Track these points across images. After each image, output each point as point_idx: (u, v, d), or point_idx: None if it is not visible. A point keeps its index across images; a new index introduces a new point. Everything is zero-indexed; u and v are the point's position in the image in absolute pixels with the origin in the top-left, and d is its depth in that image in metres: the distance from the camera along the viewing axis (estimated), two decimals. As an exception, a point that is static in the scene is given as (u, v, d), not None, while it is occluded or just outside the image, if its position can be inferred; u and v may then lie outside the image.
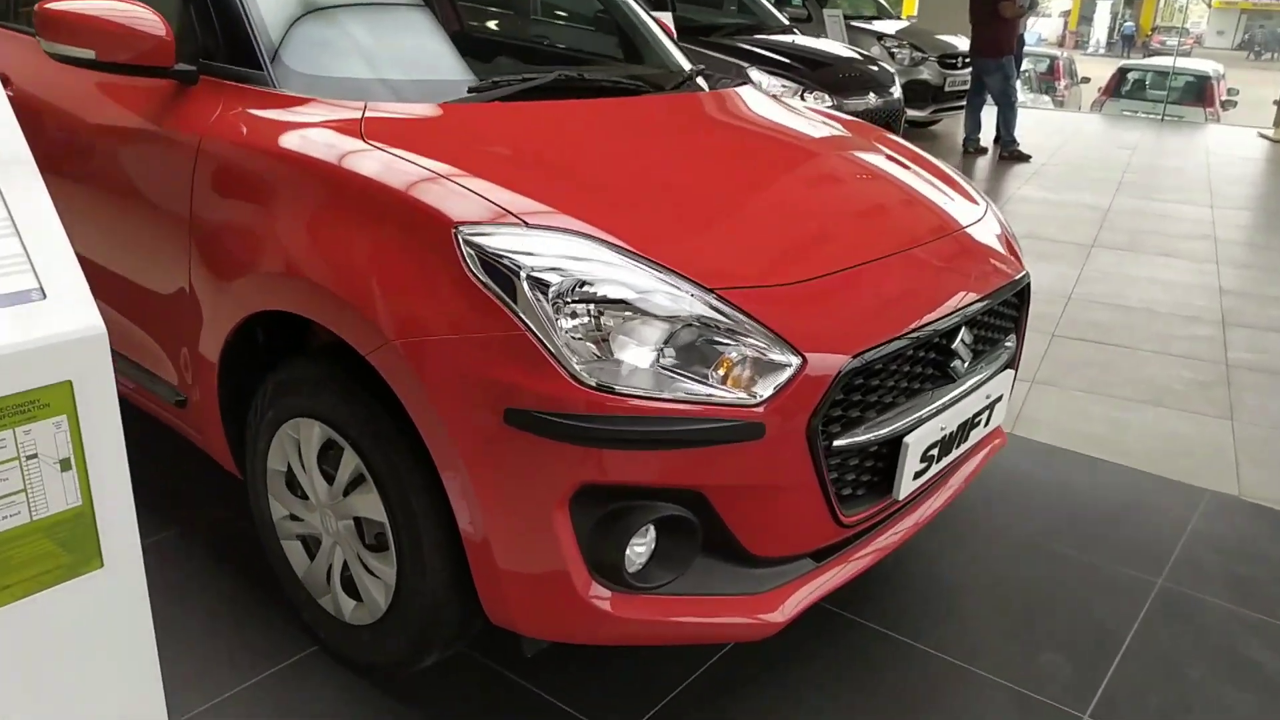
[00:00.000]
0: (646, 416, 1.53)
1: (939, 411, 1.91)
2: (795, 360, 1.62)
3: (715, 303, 1.61)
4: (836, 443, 1.71)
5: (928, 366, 1.92)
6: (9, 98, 2.69)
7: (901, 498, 1.89)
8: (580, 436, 1.53)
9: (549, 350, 1.52)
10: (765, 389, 1.60)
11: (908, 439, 1.82)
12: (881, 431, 1.78)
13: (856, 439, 1.74)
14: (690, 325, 1.59)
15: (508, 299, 1.55)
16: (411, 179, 1.70)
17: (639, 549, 1.65)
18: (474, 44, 2.43)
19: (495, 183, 1.73)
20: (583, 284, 1.56)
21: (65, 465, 1.41)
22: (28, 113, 2.50)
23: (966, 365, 1.98)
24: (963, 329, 1.95)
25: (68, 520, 1.42)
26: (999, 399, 2.15)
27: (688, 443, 1.56)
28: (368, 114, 1.93)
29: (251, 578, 2.32)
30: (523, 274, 1.55)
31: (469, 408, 1.57)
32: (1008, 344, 2.22)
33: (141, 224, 2.14)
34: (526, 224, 1.63)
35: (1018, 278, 2.18)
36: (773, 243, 1.84)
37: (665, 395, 1.54)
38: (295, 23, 2.11)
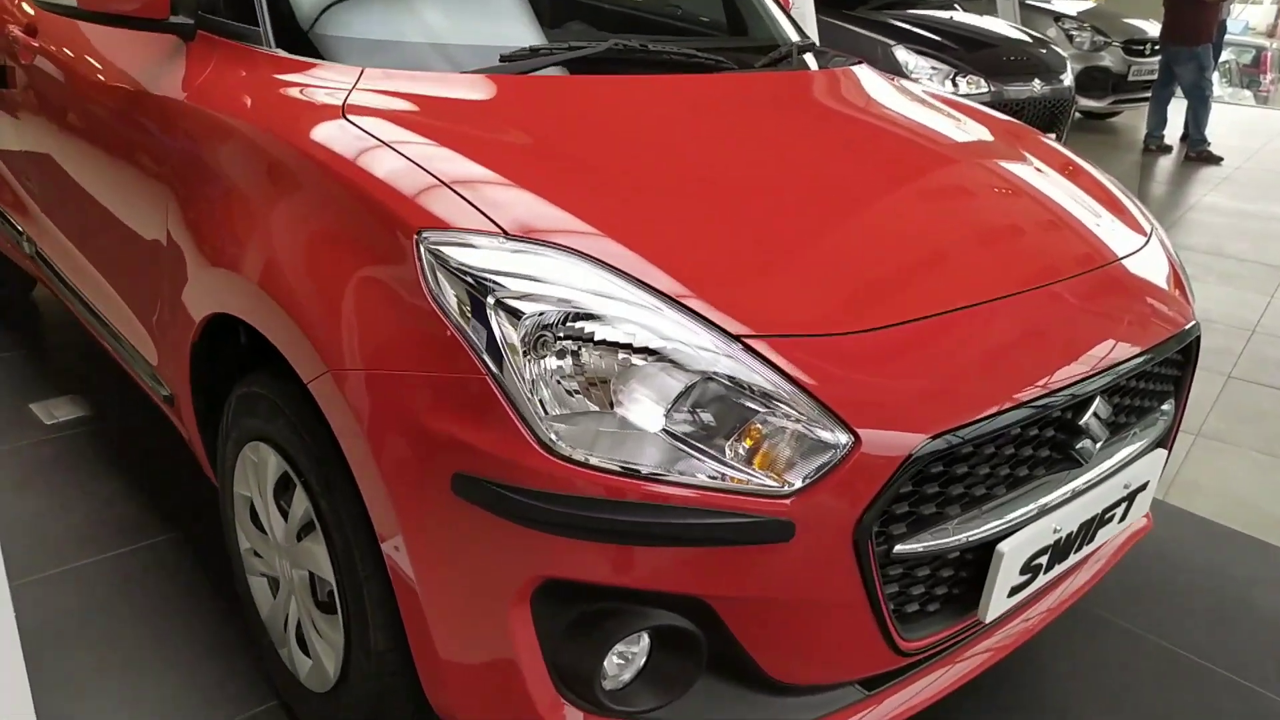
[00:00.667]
0: (636, 503, 1.15)
1: (1053, 508, 1.45)
2: (845, 439, 1.20)
3: (740, 355, 1.21)
4: (900, 548, 1.29)
5: (1043, 447, 1.45)
6: (35, 49, 2.55)
7: (989, 619, 1.44)
8: (547, 520, 1.17)
9: (513, 402, 1.16)
10: (801, 475, 1.19)
11: (1003, 546, 1.38)
12: (966, 535, 1.34)
13: (929, 545, 1.31)
14: (707, 382, 1.20)
15: (465, 330, 1.19)
16: (379, 166, 1.37)
17: (622, 662, 1.28)
18: (529, 3, 2.06)
19: (488, 178, 1.37)
20: (571, 317, 1.19)
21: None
22: (50, 69, 2.30)
23: (1099, 445, 1.51)
24: (1098, 399, 1.48)
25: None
26: (1143, 487, 1.66)
27: (690, 541, 1.18)
28: (361, 83, 1.60)
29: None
30: (490, 298, 1.19)
31: (412, 467, 1.24)
32: (1162, 414, 1.72)
33: (128, 193, 1.90)
34: (506, 234, 1.26)
35: (1183, 330, 1.67)
36: (846, 275, 1.40)
37: (664, 474, 1.16)
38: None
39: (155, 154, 1.81)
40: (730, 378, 1.19)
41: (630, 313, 1.21)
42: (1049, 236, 1.70)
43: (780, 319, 1.27)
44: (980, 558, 1.40)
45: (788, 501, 1.20)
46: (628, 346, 1.20)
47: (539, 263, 1.24)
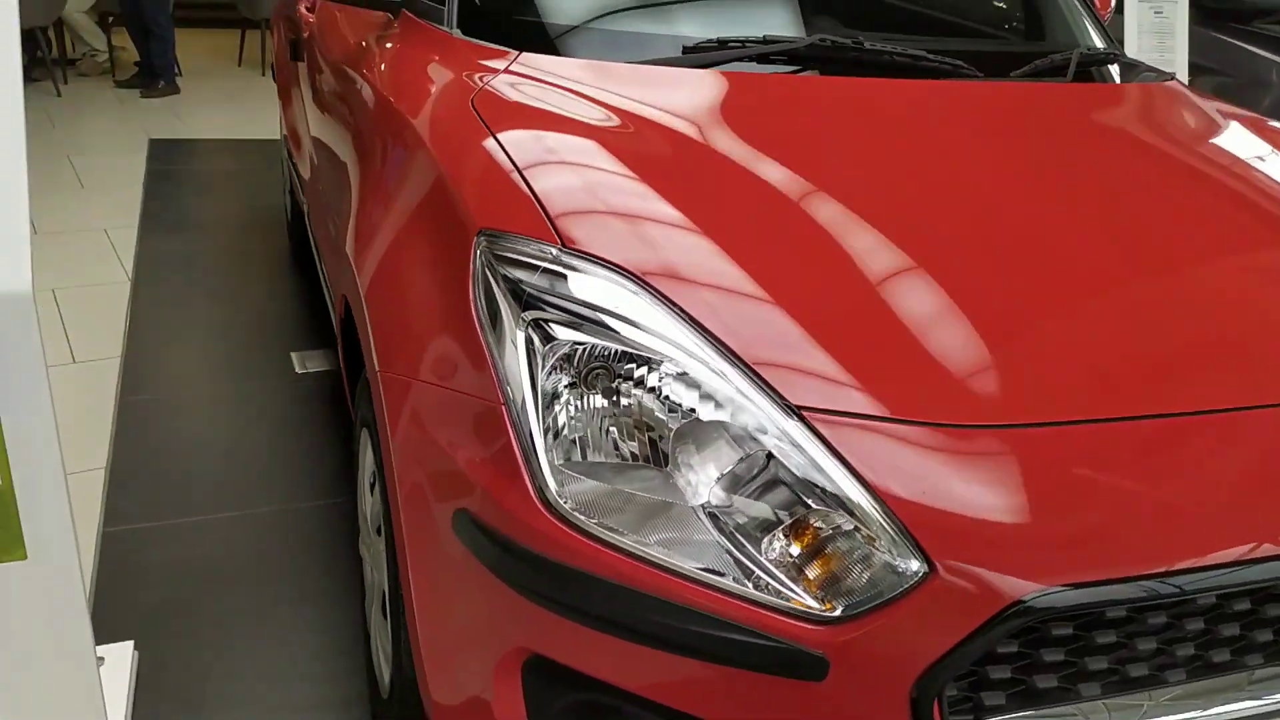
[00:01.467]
0: (642, 594, 0.95)
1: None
2: (917, 567, 0.91)
3: (791, 430, 0.95)
4: None
5: (1259, 628, 1.04)
6: (310, 23, 2.73)
7: None
8: (535, 590, 1.00)
9: (523, 442, 1.00)
10: (851, 598, 0.93)
11: None
12: None
13: None
14: (768, 460, 0.96)
15: (494, 348, 1.05)
16: (472, 161, 1.25)
17: None
18: None
19: (584, 184, 1.20)
20: (616, 355, 1.01)
21: (-21, 436, 1.20)
22: (317, 41, 2.45)
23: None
24: None
25: (-15, 499, 1.23)
26: None
27: (698, 654, 0.95)
28: (511, 67, 1.50)
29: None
30: (528, 314, 1.04)
31: (423, 491, 1.11)
32: None
33: (343, 158, 1.93)
34: (563, 247, 1.09)
35: None
36: (995, 349, 1.08)
37: (684, 567, 0.94)
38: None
39: (361, 116, 1.84)
40: (802, 466, 0.94)
41: (688, 364, 1.00)
42: None
43: (861, 399, 0.97)
44: None
45: (825, 630, 0.93)
46: (676, 402, 0.99)
47: (595, 286, 1.06)
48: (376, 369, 1.23)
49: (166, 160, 4.77)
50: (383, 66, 1.71)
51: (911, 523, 0.91)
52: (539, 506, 0.98)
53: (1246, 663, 1.03)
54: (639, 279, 1.05)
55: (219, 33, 7.94)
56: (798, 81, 1.59)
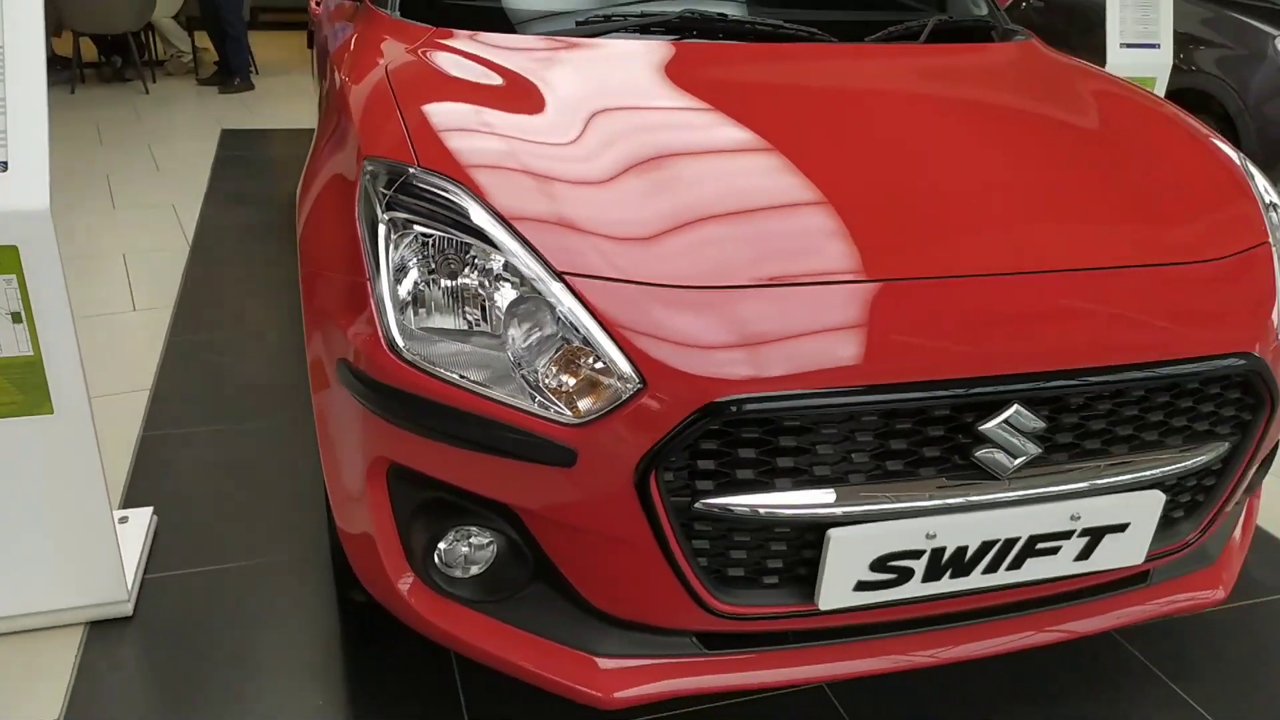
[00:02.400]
0: (439, 402, 1.31)
1: (925, 512, 1.33)
2: (634, 383, 1.25)
3: (554, 288, 1.30)
4: (702, 503, 1.29)
5: (929, 445, 1.34)
6: (314, 13, 3.14)
7: (825, 607, 1.37)
8: (379, 406, 1.36)
9: (377, 300, 1.37)
10: (590, 408, 1.27)
11: (834, 532, 1.31)
12: (777, 506, 1.30)
13: (731, 507, 1.29)
14: (518, 310, 1.30)
15: (367, 238, 1.42)
16: (374, 111, 1.62)
17: (467, 553, 1.43)
18: None
19: (446, 119, 1.53)
20: (450, 244, 1.36)
21: (15, 318, 1.63)
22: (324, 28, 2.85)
23: (1019, 461, 1.35)
24: (1014, 407, 1.33)
25: (19, 365, 1.66)
26: (1114, 530, 1.43)
27: (486, 447, 1.30)
28: (429, 40, 1.86)
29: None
30: (386, 215, 1.40)
31: (321, 351, 1.49)
32: (1183, 452, 1.45)
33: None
34: (416, 164, 1.46)
35: (1203, 359, 1.40)
36: (735, 234, 1.37)
37: (465, 382, 1.30)
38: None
39: (327, 90, 2.20)
40: (562, 313, 1.29)
41: (496, 248, 1.35)
42: (1048, 228, 1.47)
43: (617, 265, 1.29)
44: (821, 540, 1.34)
45: (572, 430, 1.28)
46: (492, 273, 1.35)
47: (435, 192, 1.42)
48: (299, 272, 1.61)
49: (234, 147, 5.31)
50: (341, 46, 2.11)
51: (632, 352, 1.25)
52: (387, 352, 1.34)
53: (920, 473, 1.34)
54: (468, 188, 1.40)
55: (293, 34, 8.57)
56: (665, 45, 1.92)
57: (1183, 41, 4.57)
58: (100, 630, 1.84)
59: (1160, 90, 4.24)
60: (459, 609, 1.44)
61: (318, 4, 3.05)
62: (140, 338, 3.03)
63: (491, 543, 1.41)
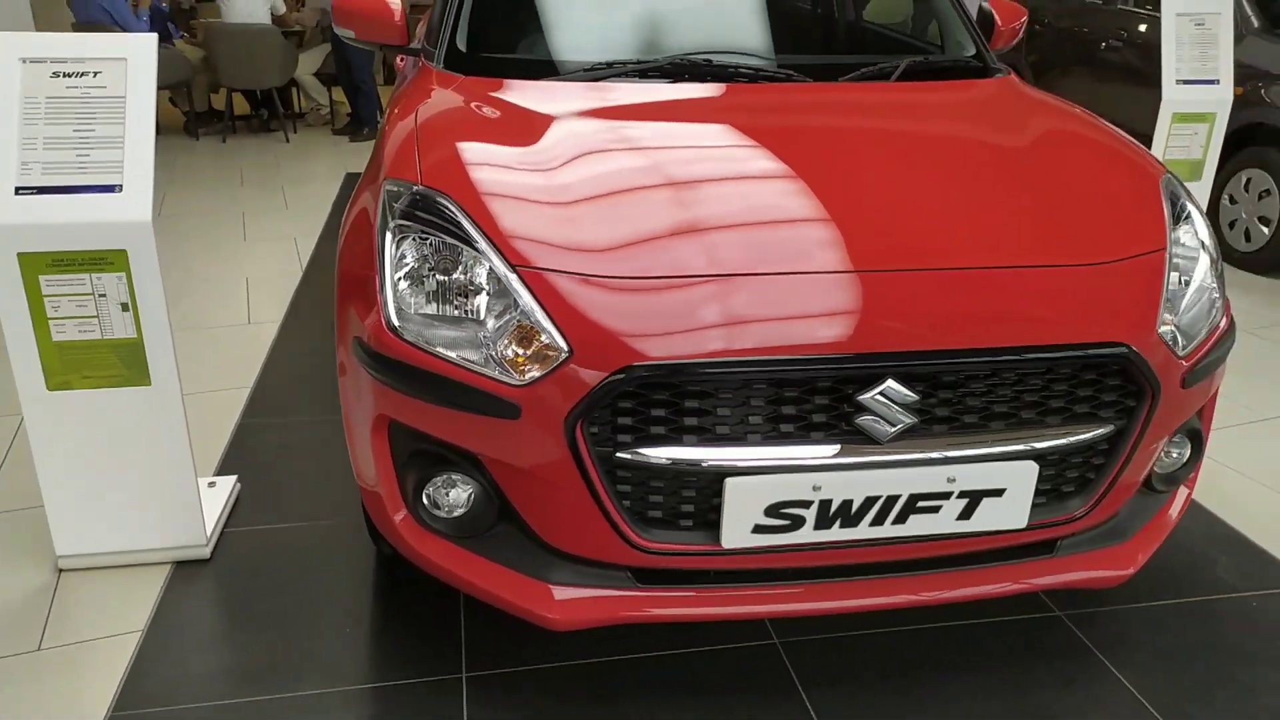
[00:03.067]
0: (415, 366, 1.64)
1: (814, 468, 1.57)
2: (564, 352, 1.55)
3: (509, 277, 1.61)
4: (623, 453, 1.58)
5: (818, 412, 1.59)
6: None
7: (727, 546, 1.62)
8: (378, 371, 1.71)
9: (381, 289, 1.72)
10: (533, 373, 1.58)
11: (731, 481, 1.57)
12: (684, 458, 1.56)
13: (647, 457, 1.57)
14: (482, 294, 1.63)
15: (379, 242, 1.78)
16: (399, 143, 1.99)
17: (458, 501, 1.75)
18: (705, 18, 2.41)
19: (452, 149, 1.86)
20: (440, 247, 1.70)
21: (125, 308, 2.08)
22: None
23: (896, 428, 1.58)
24: (889, 381, 1.56)
25: (127, 345, 2.10)
26: (992, 494, 1.63)
27: (452, 403, 1.63)
28: (454, 88, 2.23)
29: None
30: (392, 222, 1.76)
31: (344, 331, 1.85)
32: (1060, 429, 1.64)
33: None
34: (420, 185, 1.81)
35: (1073, 346, 1.60)
36: (661, 237, 1.66)
37: (433, 349, 1.63)
38: (483, 7, 2.46)
39: None
40: (502, 294, 1.62)
41: (475, 250, 1.68)
42: (950, 234, 1.71)
43: (560, 261, 1.60)
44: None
45: (518, 390, 1.59)
46: (475, 271, 1.68)
47: (430, 205, 1.77)
48: (336, 271, 1.99)
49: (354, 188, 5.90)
50: (396, 93, 2.52)
51: (566, 326, 1.56)
52: (386, 331, 1.69)
53: (810, 436, 1.59)
54: (458, 202, 1.75)
55: (422, 87, 9.28)
56: (658, 88, 2.24)
57: (1256, 76, 4.60)
58: (183, 569, 2.25)
59: (1221, 125, 4.29)
60: (442, 543, 1.77)
61: (401, 61, 3.52)
62: (251, 345, 3.52)
63: (469, 491, 1.73)
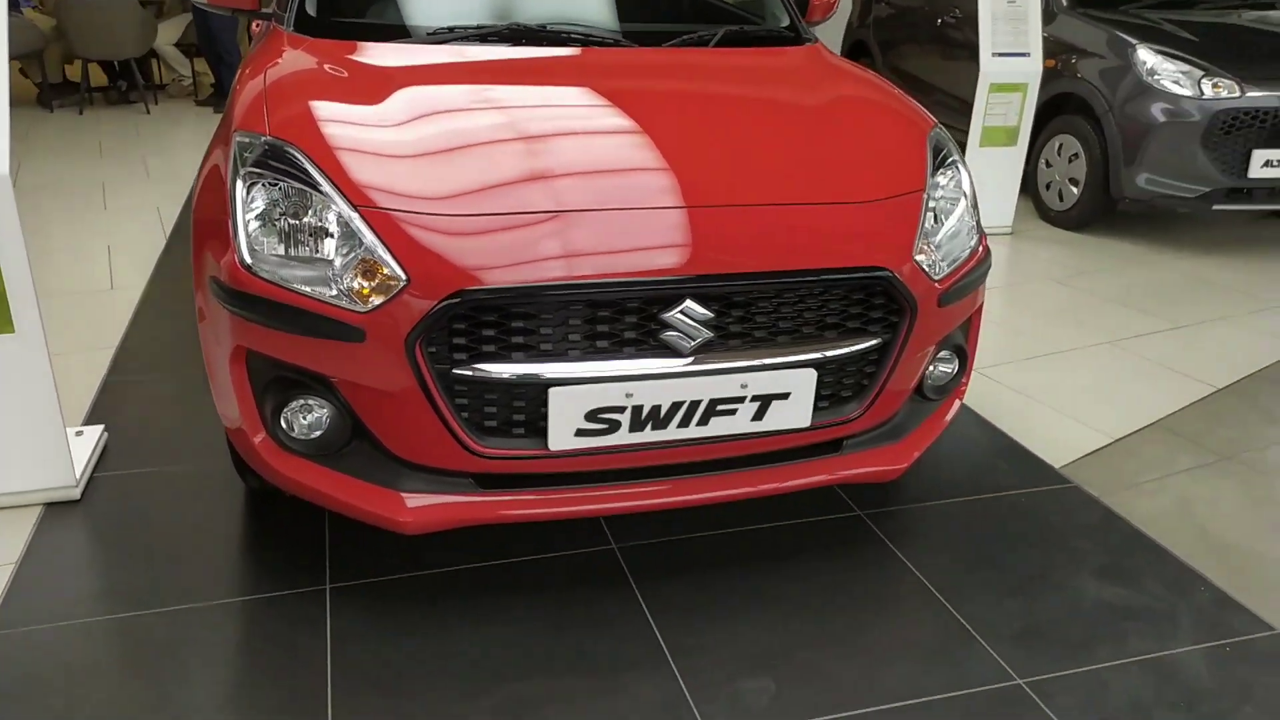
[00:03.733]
0: (268, 299, 1.82)
1: (625, 378, 1.83)
2: (402, 281, 1.76)
3: (353, 216, 1.81)
4: (458, 370, 1.79)
5: (626, 329, 1.84)
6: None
7: (554, 449, 1.86)
8: (234, 306, 1.88)
9: (234, 232, 1.88)
10: (376, 301, 1.78)
11: (553, 390, 1.81)
12: (510, 372, 1.79)
13: (478, 372, 1.79)
14: (328, 233, 1.82)
15: (231, 188, 1.94)
16: (248, 99, 2.15)
17: (314, 423, 1.93)
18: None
19: (294, 100, 2.03)
20: (286, 191, 1.88)
21: (-16, 257, 2.16)
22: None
23: (695, 342, 1.84)
24: (687, 301, 1.82)
25: (-12, 294, 2.19)
26: (781, 396, 1.92)
27: (303, 331, 1.81)
28: (302, 48, 2.39)
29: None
30: (242, 170, 1.93)
31: (201, 272, 2.01)
32: (832, 342, 1.93)
33: None
34: (268, 134, 1.98)
35: (839, 270, 1.88)
36: (489, 179, 1.87)
37: (284, 283, 1.81)
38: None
39: None
40: (344, 231, 1.81)
41: (317, 191, 1.86)
42: (735, 176, 1.97)
43: (399, 201, 1.78)
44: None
45: (363, 316, 1.79)
46: (321, 213, 1.86)
47: (279, 154, 1.94)
48: (192, 224, 2.13)
49: (220, 159, 5.89)
50: (247, 57, 2.65)
51: (404, 258, 1.76)
52: (240, 270, 1.86)
53: (622, 350, 1.84)
54: (305, 152, 1.92)
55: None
56: (496, 50, 2.44)
57: (1066, 50, 5.06)
58: (54, 510, 2.36)
59: (1033, 94, 4.72)
60: (300, 461, 1.94)
61: (256, 27, 3.61)
62: (115, 309, 3.58)
63: (323, 413, 1.92)
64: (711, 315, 1.84)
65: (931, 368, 2.21)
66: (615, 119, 2.13)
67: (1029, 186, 5.32)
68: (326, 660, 1.91)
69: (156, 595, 2.08)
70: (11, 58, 6.91)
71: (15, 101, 7.14)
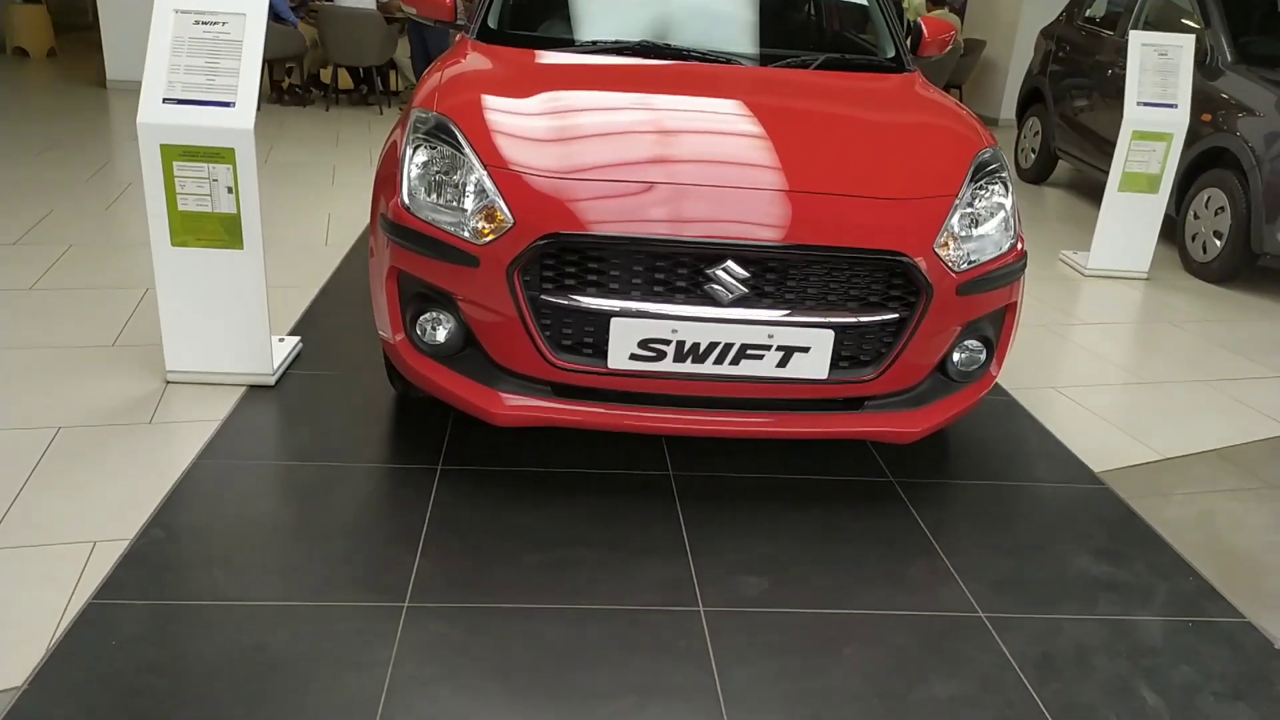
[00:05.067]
0: (417, 231, 2.42)
1: (674, 317, 2.29)
2: (509, 222, 2.31)
3: (483, 174, 2.38)
4: (544, 297, 2.32)
5: (679, 278, 2.30)
6: None
7: (612, 367, 2.34)
8: (393, 235, 2.49)
9: (401, 181, 2.50)
10: (491, 237, 2.34)
11: (615, 320, 2.29)
12: (584, 302, 2.30)
13: (560, 300, 2.31)
14: (466, 188, 2.40)
15: (402, 149, 2.56)
16: (430, 86, 2.79)
17: (439, 330, 2.52)
18: (683, 15, 3.23)
19: (465, 88, 2.66)
20: (443, 153, 2.48)
21: (229, 190, 2.91)
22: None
23: (733, 296, 2.28)
24: (728, 261, 2.27)
25: (229, 218, 2.94)
26: (803, 349, 2.31)
27: (437, 256, 2.40)
28: (482, 51, 3.02)
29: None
30: (413, 134, 2.55)
31: (375, 209, 2.64)
32: (851, 310, 2.34)
33: None
34: (436, 112, 2.59)
35: (863, 251, 2.30)
36: (589, 156, 2.38)
37: (430, 220, 2.40)
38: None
39: None
40: (478, 185, 2.39)
41: (464, 156, 2.46)
42: (797, 170, 2.40)
43: (521, 164, 2.36)
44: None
45: (479, 247, 2.35)
46: (464, 172, 2.45)
47: (441, 127, 2.54)
48: (374, 176, 2.79)
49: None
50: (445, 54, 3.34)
51: (513, 205, 2.32)
52: (401, 209, 2.47)
53: (674, 296, 2.32)
54: (458, 125, 2.52)
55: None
56: (623, 60, 2.99)
57: (1223, 106, 5.12)
58: (254, 390, 3.07)
59: (1177, 145, 4.83)
60: (427, 360, 2.54)
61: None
62: (326, 259, 4.38)
63: (448, 325, 2.50)
64: (748, 275, 2.30)
65: (957, 353, 2.57)
66: (700, 118, 2.63)
67: (1176, 236, 5.38)
68: (426, 513, 2.48)
69: (314, 453, 2.72)
70: (280, 59, 8.16)
71: (278, 97, 8.41)
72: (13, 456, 2.61)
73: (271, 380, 3.10)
